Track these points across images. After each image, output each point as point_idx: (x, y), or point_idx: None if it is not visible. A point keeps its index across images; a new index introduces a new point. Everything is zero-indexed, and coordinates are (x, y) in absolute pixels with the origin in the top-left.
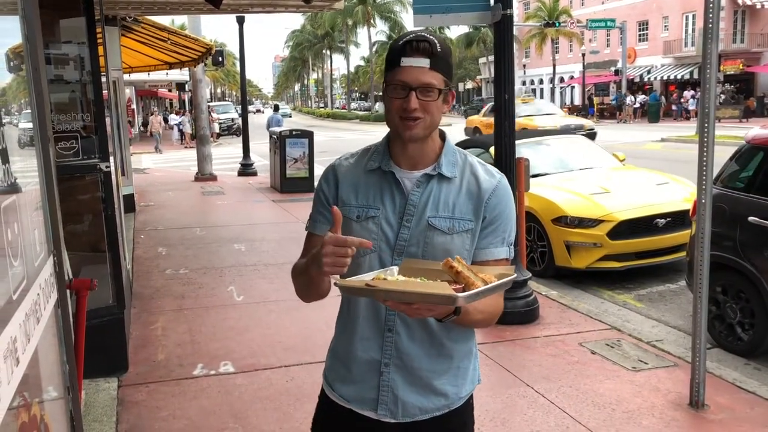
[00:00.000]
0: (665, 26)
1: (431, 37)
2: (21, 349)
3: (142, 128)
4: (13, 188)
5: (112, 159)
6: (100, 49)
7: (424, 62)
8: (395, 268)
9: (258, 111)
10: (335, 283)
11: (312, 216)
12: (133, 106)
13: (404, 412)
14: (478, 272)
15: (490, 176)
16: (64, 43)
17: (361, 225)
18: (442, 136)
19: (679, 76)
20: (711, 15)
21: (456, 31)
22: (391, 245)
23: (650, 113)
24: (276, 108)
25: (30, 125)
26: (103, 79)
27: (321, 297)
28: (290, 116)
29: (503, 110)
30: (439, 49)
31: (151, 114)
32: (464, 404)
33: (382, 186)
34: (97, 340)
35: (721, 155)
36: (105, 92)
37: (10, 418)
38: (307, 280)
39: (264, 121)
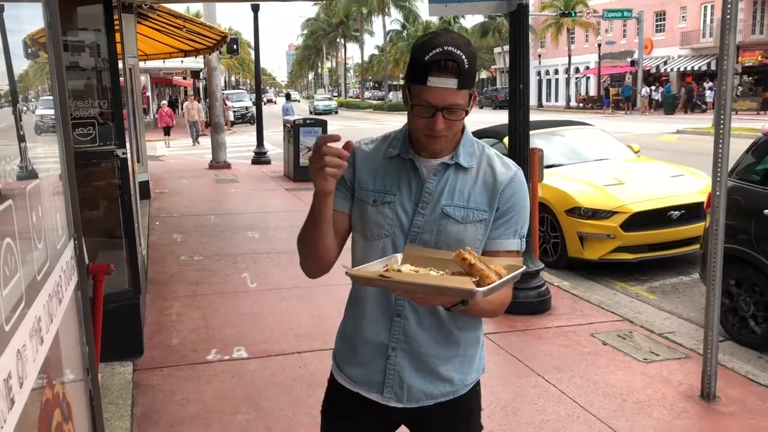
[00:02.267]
0: (683, 17)
1: (458, 52)
2: (45, 328)
3: (157, 115)
4: (32, 174)
5: (128, 145)
6: (117, 36)
7: (452, 83)
8: (399, 256)
9: (269, 101)
10: (347, 273)
11: None
12: (148, 93)
13: (409, 396)
14: (488, 263)
15: (507, 168)
16: (81, 30)
17: (376, 209)
18: (461, 126)
19: (696, 68)
20: (729, 6)
21: (471, 21)
22: (405, 231)
23: (666, 105)
24: (288, 96)
25: (47, 111)
26: (120, 66)
27: (326, 265)
28: (336, 112)
29: (518, 100)
30: (466, 66)
31: (186, 99)
32: (470, 391)
33: (400, 172)
34: (113, 324)
35: (738, 147)
36: (121, 79)
37: (35, 395)
38: (313, 231)
39: (278, 110)
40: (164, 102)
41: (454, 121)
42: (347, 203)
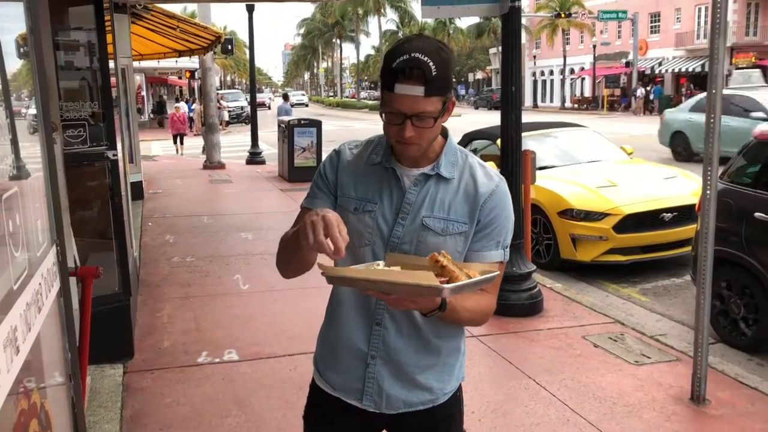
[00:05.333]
0: (677, 18)
1: (425, 59)
2: (21, 338)
3: (151, 115)
4: (20, 175)
5: (119, 146)
6: (109, 37)
7: (419, 90)
8: (381, 263)
9: (261, 104)
10: (322, 273)
11: (310, 194)
12: (143, 93)
13: (388, 404)
14: (462, 267)
15: (489, 179)
16: (74, 29)
17: (357, 217)
18: (444, 133)
19: (690, 69)
20: (719, 11)
21: (467, 21)
22: (384, 240)
23: (661, 105)
24: (285, 97)
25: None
26: (112, 65)
27: (304, 271)
28: (306, 105)
29: (510, 103)
30: (434, 73)
31: (191, 101)
32: (450, 398)
33: (381, 181)
34: (103, 326)
35: None
36: (113, 80)
37: (10, 405)
38: (295, 249)
39: (274, 111)
40: (177, 105)
41: (424, 128)
42: (331, 206)
